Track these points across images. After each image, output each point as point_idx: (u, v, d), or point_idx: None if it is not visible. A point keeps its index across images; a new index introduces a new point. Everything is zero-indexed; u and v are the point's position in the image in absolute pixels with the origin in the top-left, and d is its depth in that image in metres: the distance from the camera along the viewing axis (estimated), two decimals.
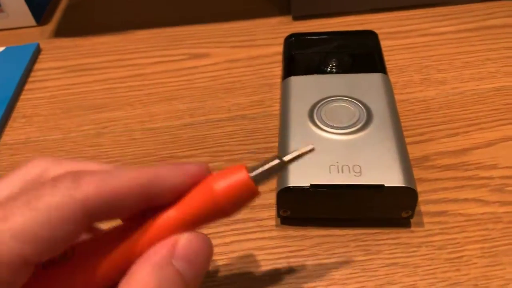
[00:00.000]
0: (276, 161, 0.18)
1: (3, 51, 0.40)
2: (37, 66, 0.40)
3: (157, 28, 0.42)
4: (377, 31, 0.38)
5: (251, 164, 0.18)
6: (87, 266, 0.17)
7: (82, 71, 0.38)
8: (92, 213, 0.16)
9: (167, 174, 0.17)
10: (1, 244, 0.14)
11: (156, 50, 0.40)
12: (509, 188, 0.26)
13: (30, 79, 0.38)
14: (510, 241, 0.23)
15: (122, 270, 0.16)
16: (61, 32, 0.44)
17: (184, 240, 0.16)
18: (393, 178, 0.23)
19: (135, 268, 0.16)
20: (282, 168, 0.18)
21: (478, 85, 0.33)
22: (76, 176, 0.16)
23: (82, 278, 0.17)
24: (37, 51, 0.41)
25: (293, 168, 0.24)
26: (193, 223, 0.17)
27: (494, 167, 0.27)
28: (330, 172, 0.23)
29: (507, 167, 0.27)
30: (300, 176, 0.23)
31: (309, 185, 0.23)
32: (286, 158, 0.18)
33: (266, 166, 0.18)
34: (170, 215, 0.17)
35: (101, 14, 0.46)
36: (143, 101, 0.35)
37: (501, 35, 0.37)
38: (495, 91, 0.32)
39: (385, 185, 0.22)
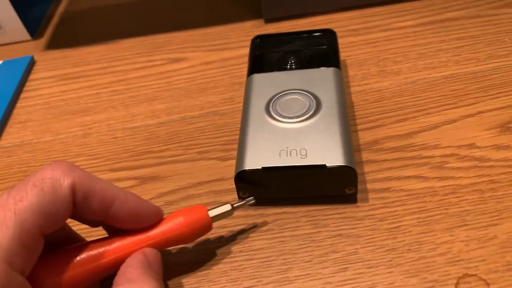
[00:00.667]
0: (229, 207, 0.25)
1: (0, 64, 0.44)
2: (31, 76, 0.43)
3: (140, 36, 0.46)
4: (342, 29, 0.41)
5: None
6: (84, 257, 0.22)
7: (72, 79, 0.42)
8: (75, 197, 0.21)
9: (131, 202, 0.22)
10: (26, 219, 0.19)
11: (139, 56, 0.43)
12: (448, 165, 0.28)
13: (25, 88, 0.42)
14: (443, 211, 0.26)
15: (108, 267, 0.22)
16: (53, 44, 0.47)
17: (151, 252, 0.23)
18: (334, 158, 0.26)
19: (126, 268, 0.22)
20: (231, 213, 0.25)
21: (429, 74, 0.35)
22: (70, 165, 0.21)
23: (78, 266, 0.22)
24: (32, 63, 0.45)
25: (248, 154, 0.27)
26: (160, 244, 0.23)
27: (436, 147, 0.30)
28: (280, 156, 0.26)
29: (448, 146, 0.29)
30: (254, 160, 0.26)
31: (261, 167, 0.26)
32: (235, 205, 0.25)
33: (221, 210, 0.25)
34: (146, 236, 0.23)
35: (89, 27, 0.49)
36: (125, 103, 0.38)
37: (454, 27, 0.39)
38: (444, 79, 0.35)
39: (327, 165, 0.25)
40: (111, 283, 0.21)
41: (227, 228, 0.27)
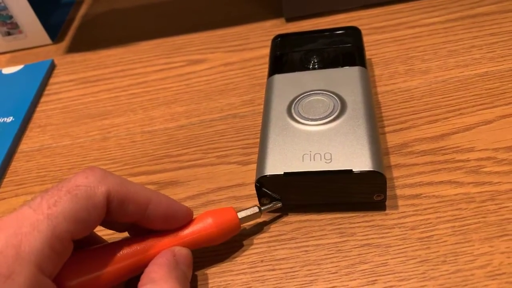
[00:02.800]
0: (256, 210, 0.25)
1: (21, 69, 0.44)
2: (52, 80, 0.43)
3: (159, 38, 0.45)
4: (366, 27, 0.40)
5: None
6: (111, 257, 0.22)
7: (91, 83, 0.41)
8: (110, 204, 0.21)
9: (164, 204, 0.22)
10: (58, 224, 0.19)
11: (158, 58, 0.42)
12: (484, 170, 0.26)
13: (46, 92, 0.42)
14: (480, 220, 0.24)
15: (137, 267, 0.22)
16: (73, 48, 0.47)
17: (181, 250, 0.22)
18: (361, 163, 0.24)
19: (152, 267, 0.21)
20: (259, 215, 0.25)
21: (462, 72, 0.33)
22: (103, 172, 0.21)
23: (105, 264, 0.21)
24: (52, 66, 0.45)
25: (269, 159, 0.25)
26: (190, 244, 0.23)
27: (471, 150, 0.28)
28: (303, 161, 0.25)
29: (483, 149, 0.28)
30: (276, 165, 0.25)
31: (282, 173, 0.24)
32: (263, 208, 0.25)
33: (249, 211, 0.25)
34: (176, 235, 0.23)
35: (109, 30, 0.49)
36: (144, 106, 0.37)
37: (487, 22, 0.37)
38: (478, 77, 0.33)
39: (354, 170, 0.24)
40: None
41: (248, 236, 0.26)
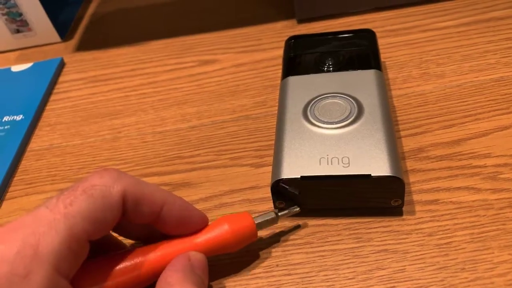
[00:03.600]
0: (273, 215, 0.24)
1: (31, 66, 0.44)
2: (61, 78, 0.43)
3: (169, 38, 0.45)
4: (379, 29, 0.39)
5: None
6: (128, 263, 0.21)
7: (101, 81, 0.41)
8: (125, 204, 0.20)
9: (179, 206, 0.22)
10: (75, 223, 0.19)
11: (168, 58, 0.42)
12: (502, 176, 0.26)
13: (55, 90, 0.42)
14: (499, 227, 0.24)
15: (153, 274, 0.21)
16: (83, 46, 0.47)
17: (196, 255, 0.22)
18: (379, 168, 0.24)
19: (167, 272, 0.21)
20: (276, 221, 0.24)
21: (476, 77, 0.33)
22: (118, 172, 0.21)
23: (122, 271, 0.21)
24: (61, 65, 0.44)
25: (286, 162, 0.25)
26: (205, 251, 0.22)
27: (488, 156, 0.27)
28: (320, 164, 0.25)
29: (501, 155, 0.27)
30: (292, 169, 0.25)
31: (299, 176, 0.24)
32: (280, 213, 0.25)
33: (266, 217, 0.24)
34: (191, 242, 0.22)
35: (118, 28, 0.49)
36: (155, 106, 0.37)
37: (501, 26, 0.37)
38: (493, 82, 0.32)
39: (372, 174, 0.23)
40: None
41: (263, 240, 0.26)
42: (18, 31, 0.47)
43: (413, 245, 0.24)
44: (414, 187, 0.27)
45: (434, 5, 0.41)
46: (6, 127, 0.37)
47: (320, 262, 0.24)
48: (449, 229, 0.24)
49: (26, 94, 0.40)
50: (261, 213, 0.24)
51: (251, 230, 0.23)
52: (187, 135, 0.34)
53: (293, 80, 0.31)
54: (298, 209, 0.25)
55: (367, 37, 0.34)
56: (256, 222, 0.23)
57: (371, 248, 0.24)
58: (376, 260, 0.24)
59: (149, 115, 0.36)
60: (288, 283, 0.23)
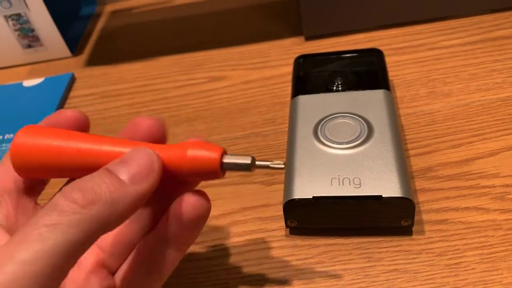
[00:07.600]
0: (248, 161, 0.20)
1: (42, 81, 0.45)
2: (72, 93, 0.44)
3: (179, 54, 0.45)
4: (386, 47, 0.40)
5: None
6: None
7: (111, 97, 0.42)
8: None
9: None
10: None
11: (178, 74, 0.43)
12: (510, 196, 0.27)
13: (66, 105, 0.42)
14: (508, 248, 0.24)
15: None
16: (92, 61, 0.48)
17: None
18: (390, 189, 0.24)
19: None
20: (250, 168, 0.20)
21: (483, 96, 0.34)
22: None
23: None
24: (72, 80, 0.45)
25: (297, 182, 0.26)
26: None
27: (496, 176, 0.28)
28: (331, 185, 0.25)
29: (509, 175, 0.28)
30: (304, 189, 0.25)
31: (311, 197, 0.25)
32: (257, 163, 0.20)
33: (238, 160, 0.20)
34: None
35: (128, 44, 0.50)
36: (166, 123, 0.37)
37: (508, 45, 0.38)
38: (500, 101, 0.33)
39: (383, 195, 0.24)
40: None
41: (275, 258, 0.26)
42: (29, 46, 0.48)
43: (423, 265, 0.24)
44: (424, 207, 0.27)
45: (440, 23, 0.42)
46: None
47: (332, 281, 0.24)
48: (458, 249, 0.25)
49: (39, 108, 0.41)
50: (238, 154, 0.20)
51: (212, 166, 0.19)
52: None
53: (303, 99, 0.32)
54: (282, 165, 0.20)
55: (375, 56, 0.34)
56: (224, 160, 0.20)
57: (382, 268, 0.24)
58: (387, 280, 0.24)
59: None
60: None
